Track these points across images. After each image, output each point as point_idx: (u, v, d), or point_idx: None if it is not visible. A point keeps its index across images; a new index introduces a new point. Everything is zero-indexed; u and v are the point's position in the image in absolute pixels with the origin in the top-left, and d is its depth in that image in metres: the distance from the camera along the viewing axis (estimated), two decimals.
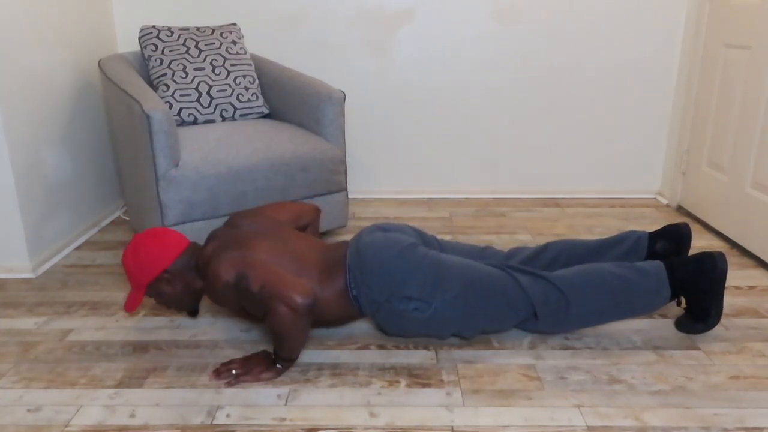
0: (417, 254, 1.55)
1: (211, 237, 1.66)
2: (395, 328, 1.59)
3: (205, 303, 1.91)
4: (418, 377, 1.52)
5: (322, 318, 1.60)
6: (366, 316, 1.61)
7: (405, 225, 1.71)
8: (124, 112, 2.07)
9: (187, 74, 2.31)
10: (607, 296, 1.60)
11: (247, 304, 1.49)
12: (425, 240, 1.72)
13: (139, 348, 1.66)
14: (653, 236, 1.78)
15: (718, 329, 1.73)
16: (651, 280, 1.62)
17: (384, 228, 1.66)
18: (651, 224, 2.61)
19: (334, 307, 1.58)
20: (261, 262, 1.49)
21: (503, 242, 2.39)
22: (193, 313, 1.74)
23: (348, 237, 2.43)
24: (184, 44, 2.37)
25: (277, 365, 1.51)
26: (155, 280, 1.59)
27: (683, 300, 1.73)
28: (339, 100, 2.22)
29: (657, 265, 1.64)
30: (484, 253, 1.75)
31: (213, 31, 2.46)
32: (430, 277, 1.53)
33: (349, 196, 3.01)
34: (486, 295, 1.55)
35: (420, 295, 1.52)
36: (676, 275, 1.63)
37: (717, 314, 1.65)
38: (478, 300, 1.54)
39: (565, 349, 1.64)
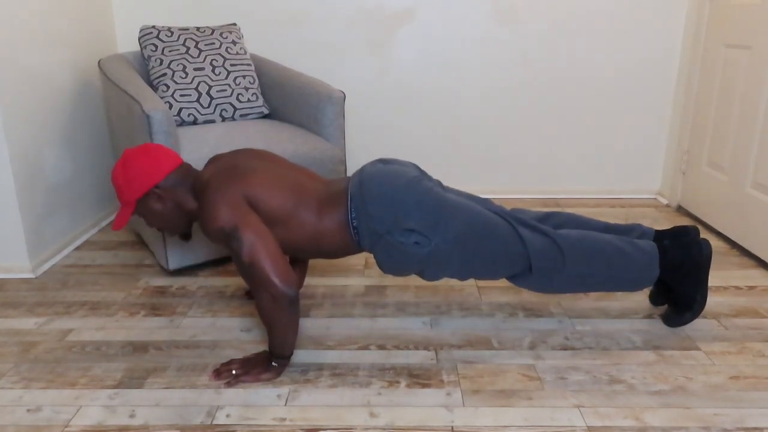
0: (422, 187, 1.53)
1: (213, 160, 1.62)
2: (392, 264, 1.56)
3: (205, 302, 1.91)
4: (418, 377, 1.52)
5: (320, 248, 1.58)
6: (364, 249, 1.58)
7: (409, 161, 1.67)
8: (124, 112, 2.07)
9: (187, 74, 2.31)
10: (603, 263, 1.60)
11: (233, 260, 1.47)
12: (429, 179, 1.68)
13: (139, 348, 1.66)
14: (660, 234, 1.78)
15: (718, 329, 1.73)
16: (645, 257, 1.63)
17: (388, 161, 1.64)
18: (651, 224, 2.61)
19: (332, 238, 1.55)
20: (259, 226, 1.45)
21: None
22: (186, 236, 1.70)
23: None
24: (184, 44, 2.37)
25: (273, 363, 1.51)
26: (145, 195, 1.56)
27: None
28: (339, 100, 2.22)
29: (651, 244, 1.66)
30: (484, 204, 1.72)
31: (213, 31, 2.46)
32: (434, 212, 1.50)
33: None
34: (486, 240, 1.53)
35: (422, 228, 1.49)
36: (666, 257, 1.65)
37: (702, 301, 1.67)
38: (478, 244, 1.53)
39: (565, 349, 1.64)
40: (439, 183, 1.70)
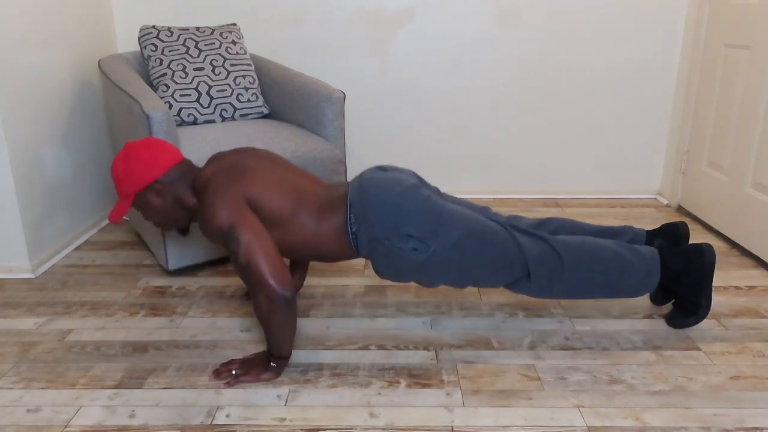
0: (421, 194, 1.54)
1: (214, 158, 1.62)
2: (390, 270, 1.57)
3: (205, 302, 1.91)
4: (418, 377, 1.52)
5: (318, 252, 1.58)
6: (361, 255, 1.59)
7: (408, 169, 1.68)
8: (123, 112, 2.07)
9: (186, 74, 2.31)
10: (602, 269, 1.60)
11: (231, 259, 1.46)
12: (428, 187, 1.70)
13: (139, 348, 1.66)
14: (651, 234, 1.79)
15: (718, 329, 1.73)
16: (645, 263, 1.63)
17: (387, 168, 1.64)
18: (651, 224, 2.61)
19: (330, 242, 1.56)
20: (257, 226, 1.45)
21: None
22: (183, 231, 1.70)
23: None
24: (183, 44, 2.37)
25: (272, 364, 1.51)
26: (144, 189, 1.56)
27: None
28: (339, 100, 2.22)
29: (652, 250, 1.66)
30: (482, 212, 1.73)
31: (213, 31, 2.46)
32: (432, 219, 1.51)
33: None
34: (484, 248, 1.54)
35: (420, 234, 1.50)
36: (667, 263, 1.65)
37: (707, 306, 1.67)
38: (476, 251, 1.53)
39: (565, 349, 1.64)
40: (437, 191, 1.71)
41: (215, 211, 1.45)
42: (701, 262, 1.63)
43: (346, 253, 1.59)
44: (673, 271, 1.65)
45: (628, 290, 1.64)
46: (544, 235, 1.60)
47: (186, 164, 1.62)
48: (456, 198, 1.74)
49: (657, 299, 1.84)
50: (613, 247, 1.63)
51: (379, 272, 1.59)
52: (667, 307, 1.85)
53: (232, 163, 1.55)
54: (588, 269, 1.59)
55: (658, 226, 2.58)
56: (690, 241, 2.37)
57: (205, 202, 1.48)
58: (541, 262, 1.57)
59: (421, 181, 1.68)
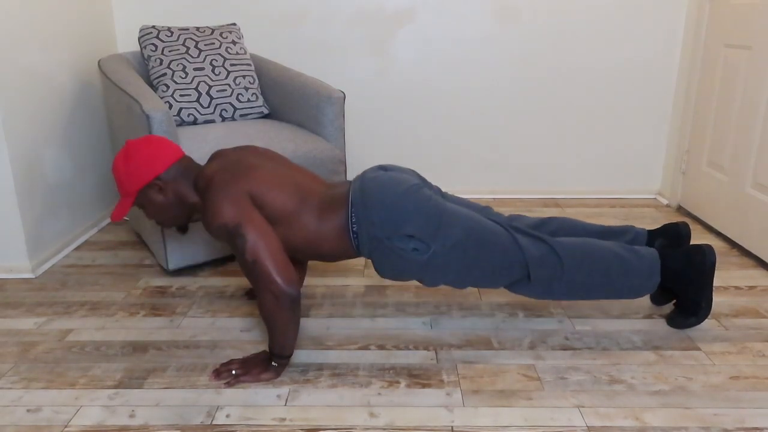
0: (422, 195, 1.54)
1: (216, 155, 1.62)
2: (390, 270, 1.57)
3: (205, 302, 1.91)
4: (418, 377, 1.52)
5: (319, 251, 1.58)
6: (362, 255, 1.59)
7: (409, 168, 1.69)
8: (123, 112, 2.07)
9: (186, 74, 2.31)
10: (602, 271, 1.60)
11: (236, 257, 1.46)
12: (429, 187, 1.69)
13: (139, 348, 1.66)
14: (652, 234, 1.79)
15: (718, 329, 1.73)
16: (645, 264, 1.63)
17: (388, 168, 1.64)
18: (651, 224, 2.61)
19: (331, 241, 1.56)
20: (262, 224, 1.45)
21: None
22: (183, 229, 1.70)
23: None
24: (183, 44, 2.37)
25: (273, 363, 1.51)
26: (146, 186, 1.56)
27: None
28: (339, 100, 2.22)
29: (651, 251, 1.66)
30: (483, 212, 1.73)
31: (213, 31, 2.46)
32: (433, 219, 1.51)
33: None
34: (485, 248, 1.54)
35: (421, 235, 1.50)
36: (668, 264, 1.65)
37: (708, 306, 1.67)
38: (477, 252, 1.53)
39: (565, 349, 1.64)
40: (438, 190, 1.71)
41: (220, 208, 1.45)
42: (702, 263, 1.63)
43: (346, 252, 1.59)
44: (674, 272, 1.65)
45: (628, 292, 1.64)
46: (545, 237, 1.60)
47: (187, 161, 1.62)
48: (457, 198, 1.74)
49: (657, 299, 1.84)
50: (613, 249, 1.63)
51: (380, 271, 1.59)
52: (668, 307, 1.85)
53: (235, 161, 1.55)
54: (588, 271, 1.59)
55: (658, 226, 2.59)
56: (691, 242, 2.37)
57: (209, 200, 1.48)
58: (542, 264, 1.57)
59: (423, 181, 1.68)
